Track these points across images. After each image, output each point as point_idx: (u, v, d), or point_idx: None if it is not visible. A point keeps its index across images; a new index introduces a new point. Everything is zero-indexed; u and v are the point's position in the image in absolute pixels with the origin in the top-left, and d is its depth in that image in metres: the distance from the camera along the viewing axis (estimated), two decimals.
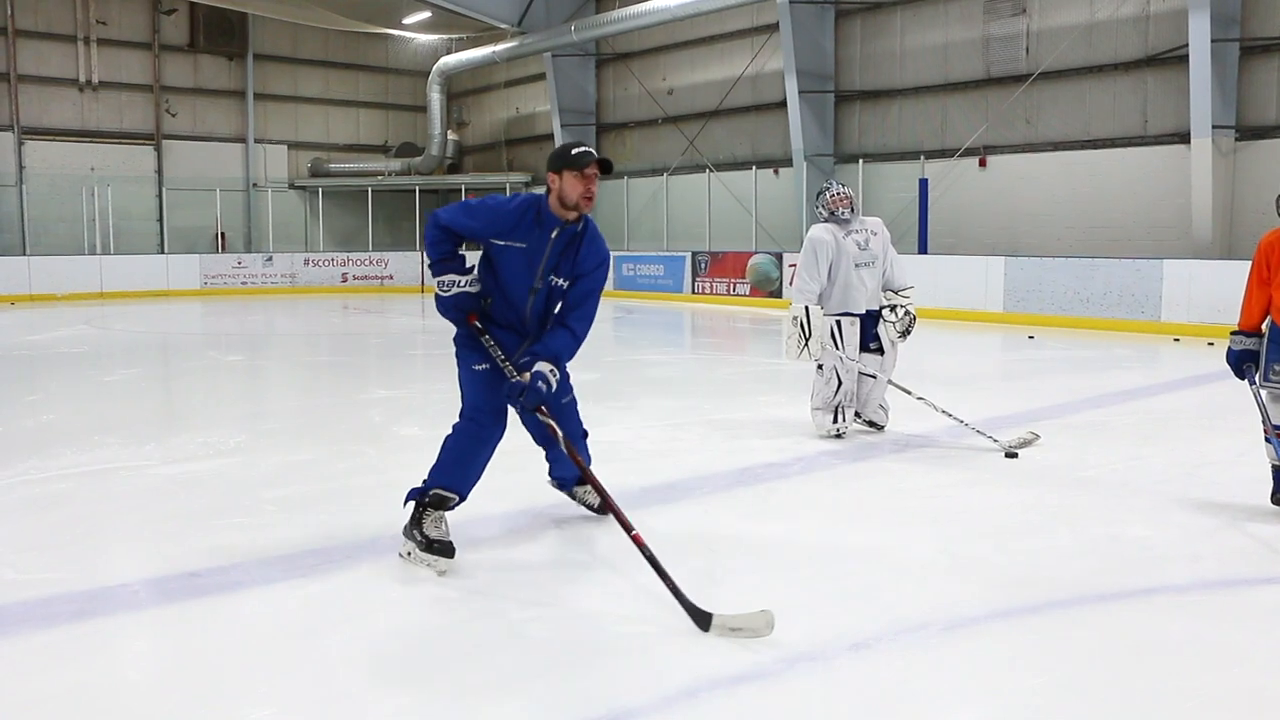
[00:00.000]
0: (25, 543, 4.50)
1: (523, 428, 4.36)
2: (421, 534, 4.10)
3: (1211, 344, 11.80)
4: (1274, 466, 4.84)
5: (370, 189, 27.11)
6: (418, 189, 27.03)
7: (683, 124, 23.12)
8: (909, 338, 6.72)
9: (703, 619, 3.38)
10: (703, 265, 20.78)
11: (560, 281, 4.11)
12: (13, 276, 21.28)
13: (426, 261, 4.27)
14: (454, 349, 4.24)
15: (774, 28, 20.11)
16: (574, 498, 4.80)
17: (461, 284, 4.10)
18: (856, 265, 6.45)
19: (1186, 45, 14.42)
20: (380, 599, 3.80)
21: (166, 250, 25.11)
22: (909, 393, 6.70)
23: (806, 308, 6.43)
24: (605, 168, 3.97)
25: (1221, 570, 4.17)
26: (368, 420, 7.68)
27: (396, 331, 16.30)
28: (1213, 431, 7.08)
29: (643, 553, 3.67)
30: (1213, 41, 14.04)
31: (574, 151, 3.99)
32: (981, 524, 4.80)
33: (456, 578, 4.02)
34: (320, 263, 25.17)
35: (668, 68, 23.69)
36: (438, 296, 4.16)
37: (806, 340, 6.41)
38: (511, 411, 4.21)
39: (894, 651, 3.30)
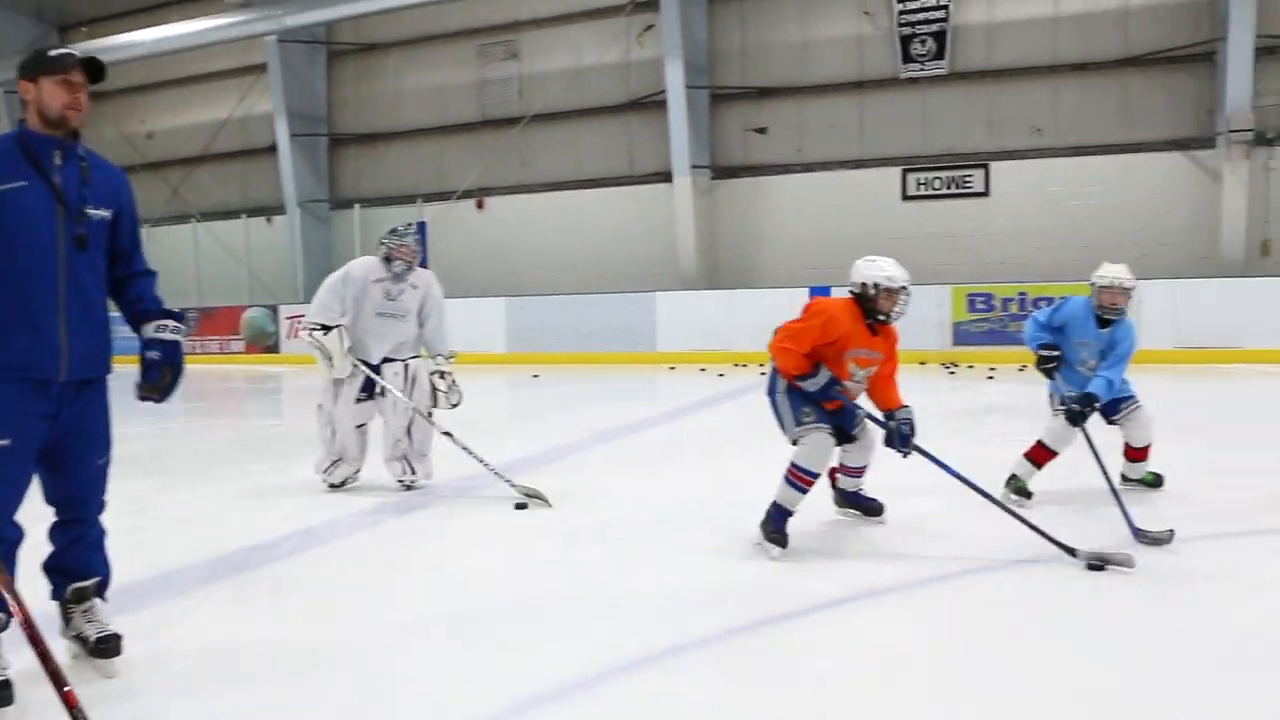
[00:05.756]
0: None
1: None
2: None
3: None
4: None
5: None
6: None
7: (166, 171, 20.96)
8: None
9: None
10: (191, 323, 18.68)
11: (103, 213, 3.12)
12: None
13: None
14: None
15: (263, 68, 18.83)
16: None
17: None
18: (377, 314, 5.84)
19: (664, 91, 15.11)
20: None
21: None
22: (450, 435, 5.71)
23: (324, 325, 5.74)
24: (94, 71, 3.06)
25: None
26: None
27: None
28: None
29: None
30: (687, 88, 14.93)
31: (52, 53, 3.07)
32: None
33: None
34: None
35: (147, 109, 21.46)
36: None
37: (330, 358, 5.71)
38: None
39: None
